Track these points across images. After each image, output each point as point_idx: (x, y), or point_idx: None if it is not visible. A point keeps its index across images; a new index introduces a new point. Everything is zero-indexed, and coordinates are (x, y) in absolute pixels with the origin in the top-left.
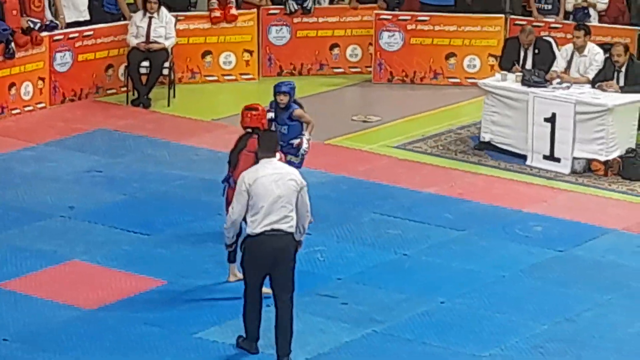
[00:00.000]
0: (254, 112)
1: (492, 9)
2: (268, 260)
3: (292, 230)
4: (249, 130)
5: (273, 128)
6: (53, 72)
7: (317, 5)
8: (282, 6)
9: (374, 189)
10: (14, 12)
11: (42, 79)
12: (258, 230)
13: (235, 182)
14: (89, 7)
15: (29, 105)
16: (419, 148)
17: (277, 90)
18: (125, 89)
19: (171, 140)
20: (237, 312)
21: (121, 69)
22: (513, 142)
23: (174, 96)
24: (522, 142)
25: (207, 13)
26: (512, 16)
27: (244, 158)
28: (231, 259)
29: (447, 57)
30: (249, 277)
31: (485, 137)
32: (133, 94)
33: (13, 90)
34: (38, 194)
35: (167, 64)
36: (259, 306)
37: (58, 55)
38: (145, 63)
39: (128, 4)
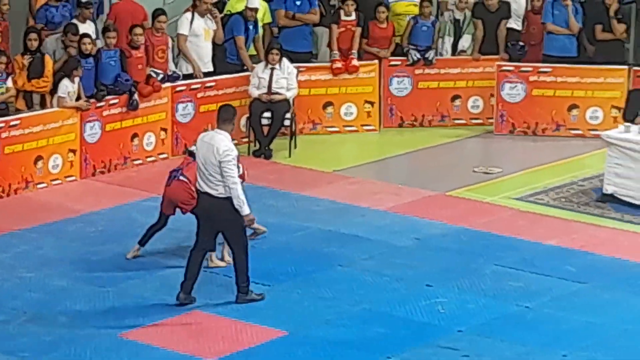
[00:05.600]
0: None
1: (615, 60)
2: (202, 217)
3: (220, 195)
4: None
5: None
6: (175, 123)
7: (438, 57)
8: (404, 57)
9: (496, 240)
10: (140, 66)
11: (165, 130)
12: (197, 185)
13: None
14: (213, 59)
15: (151, 156)
16: (541, 200)
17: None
18: (246, 139)
19: (292, 191)
20: None
21: (243, 120)
22: (637, 195)
23: (295, 147)
24: None
25: (328, 64)
26: (636, 67)
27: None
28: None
29: (570, 108)
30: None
31: (609, 189)
32: (255, 145)
33: (136, 141)
34: (158, 244)
35: (288, 115)
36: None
37: (180, 106)
38: (267, 114)
39: (250, 56)
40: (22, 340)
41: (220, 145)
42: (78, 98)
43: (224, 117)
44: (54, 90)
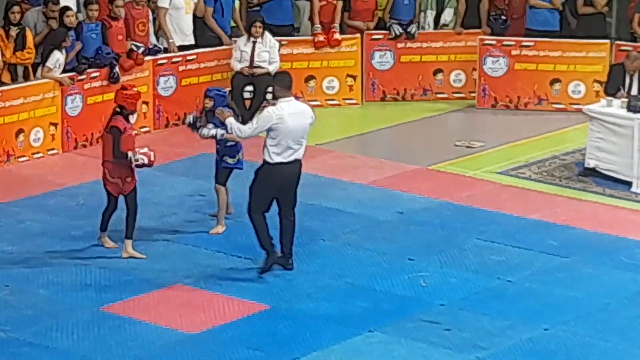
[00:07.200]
0: (121, 91)
1: (597, 35)
2: (283, 184)
3: (301, 156)
4: (117, 109)
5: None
6: (157, 97)
7: (421, 31)
8: (386, 31)
9: (478, 214)
10: (120, 37)
11: (146, 103)
12: (278, 160)
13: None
14: (194, 32)
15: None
16: (523, 174)
17: (204, 95)
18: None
19: None
20: (338, 337)
21: None
22: (618, 169)
23: None
24: (627, 169)
25: (310, 38)
26: (618, 42)
27: (105, 139)
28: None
29: (552, 82)
30: (261, 199)
31: (590, 163)
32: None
33: None
34: (142, 218)
35: (270, 89)
36: (266, 224)
37: (162, 79)
38: (249, 87)
39: (231, 28)
40: (4, 313)
41: (309, 109)
42: (64, 70)
43: (287, 83)
44: (38, 62)
